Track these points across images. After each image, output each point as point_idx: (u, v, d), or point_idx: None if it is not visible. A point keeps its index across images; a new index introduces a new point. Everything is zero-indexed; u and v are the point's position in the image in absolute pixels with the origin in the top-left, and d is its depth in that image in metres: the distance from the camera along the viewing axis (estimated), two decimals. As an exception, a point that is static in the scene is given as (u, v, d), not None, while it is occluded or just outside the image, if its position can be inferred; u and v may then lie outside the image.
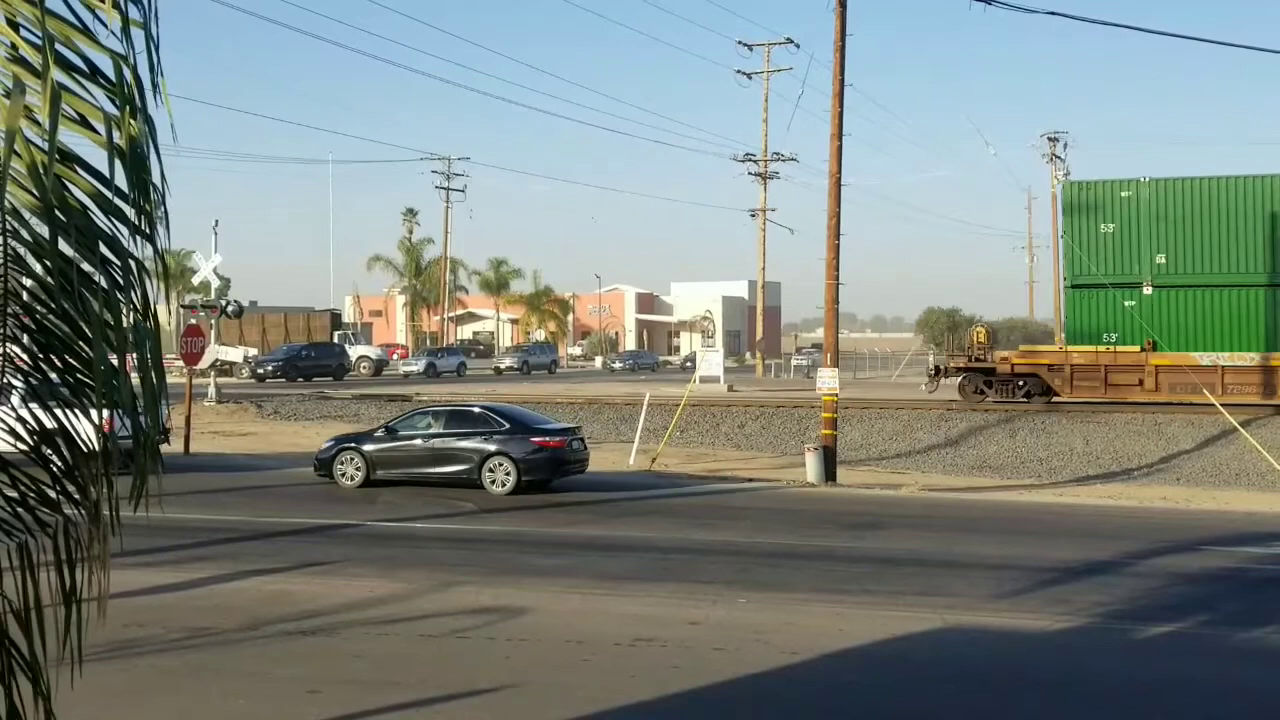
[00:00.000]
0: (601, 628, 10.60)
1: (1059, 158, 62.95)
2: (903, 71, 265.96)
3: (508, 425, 20.20)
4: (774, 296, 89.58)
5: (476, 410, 21.39)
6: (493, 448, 19.81)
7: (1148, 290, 30.34)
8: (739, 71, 55.71)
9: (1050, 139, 63.07)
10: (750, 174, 59.18)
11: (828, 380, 23.17)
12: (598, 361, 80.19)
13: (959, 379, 33.36)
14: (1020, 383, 31.66)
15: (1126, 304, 30.55)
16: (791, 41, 54.23)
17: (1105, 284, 30.15)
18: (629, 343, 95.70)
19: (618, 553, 14.98)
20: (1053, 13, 21.27)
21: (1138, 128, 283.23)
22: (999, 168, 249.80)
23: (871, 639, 10.24)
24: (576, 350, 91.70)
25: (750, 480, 22.55)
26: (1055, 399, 31.04)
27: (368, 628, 10.54)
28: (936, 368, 35.73)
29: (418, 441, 20.34)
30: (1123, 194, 31.15)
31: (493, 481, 19.66)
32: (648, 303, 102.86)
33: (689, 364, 63.19)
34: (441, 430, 20.48)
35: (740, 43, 55.07)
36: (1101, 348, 30.37)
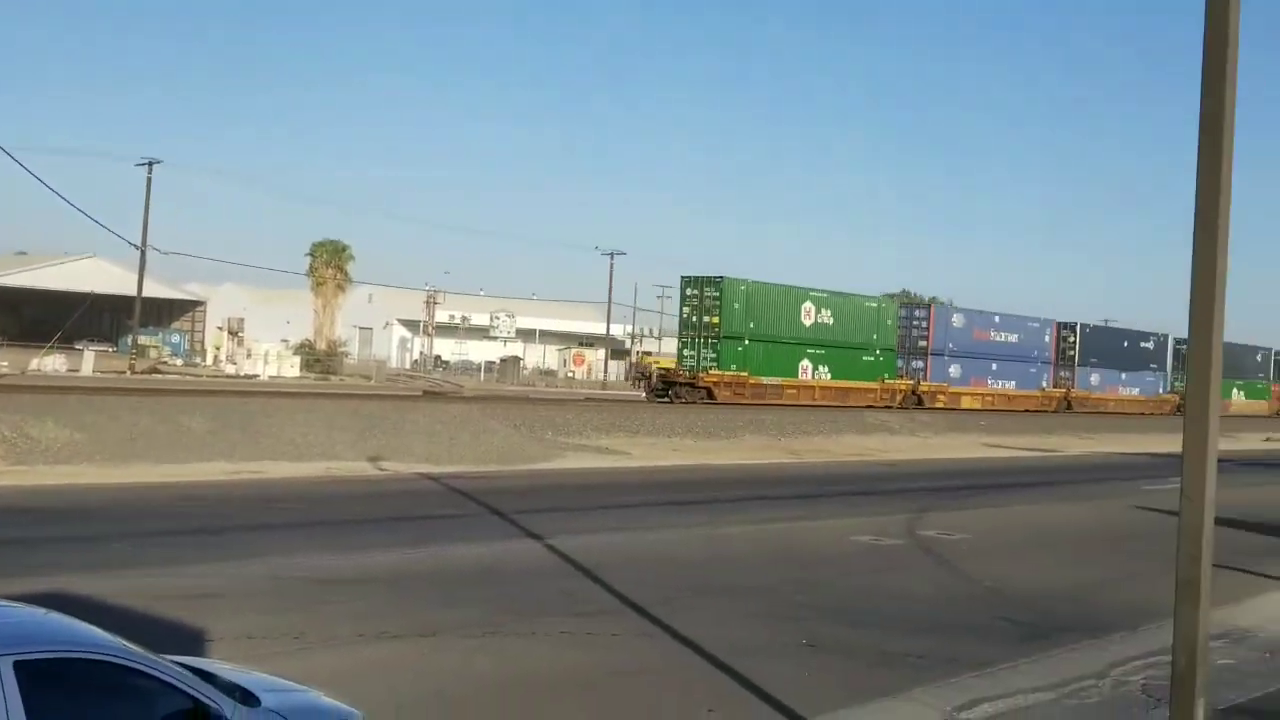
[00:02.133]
0: None
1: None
2: None
3: None
4: None
5: None
6: None
7: (747, 342, 51.14)
8: None
9: None
10: None
11: None
12: None
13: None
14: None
15: (739, 348, 50.74)
16: None
17: (731, 336, 50.56)
18: None
19: None
20: None
21: None
22: None
23: None
24: None
25: None
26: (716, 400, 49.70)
27: None
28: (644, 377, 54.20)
29: None
30: (742, 287, 51.41)
31: None
32: None
33: None
34: None
35: None
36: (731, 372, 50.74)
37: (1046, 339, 71.08)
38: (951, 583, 16.42)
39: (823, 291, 56.77)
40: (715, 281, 51.07)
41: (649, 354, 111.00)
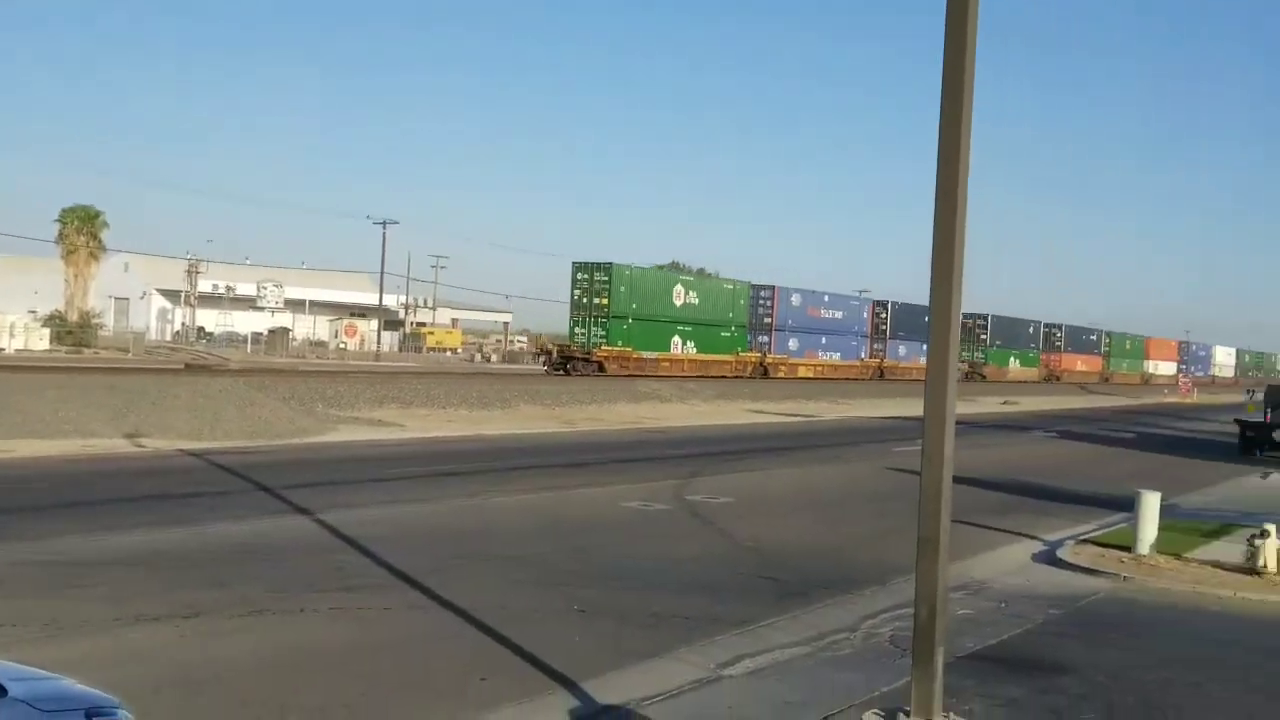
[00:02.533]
0: None
1: None
2: None
3: None
4: None
5: None
6: None
7: (630, 320, 58.08)
8: None
9: None
10: None
11: None
12: None
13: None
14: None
15: (624, 327, 57.77)
16: None
17: (618, 316, 57.43)
18: None
19: None
20: None
21: None
22: None
23: None
24: None
25: None
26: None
27: None
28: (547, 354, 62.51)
29: None
30: (627, 272, 58.04)
31: None
32: None
33: None
34: None
35: None
36: (618, 348, 57.54)
37: (864, 315, 79.00)
38: (717, 545, 17.05)
39: (690, 275, 64.64)
40: (605, 267, 57.92)
41: (423, 324, 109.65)
